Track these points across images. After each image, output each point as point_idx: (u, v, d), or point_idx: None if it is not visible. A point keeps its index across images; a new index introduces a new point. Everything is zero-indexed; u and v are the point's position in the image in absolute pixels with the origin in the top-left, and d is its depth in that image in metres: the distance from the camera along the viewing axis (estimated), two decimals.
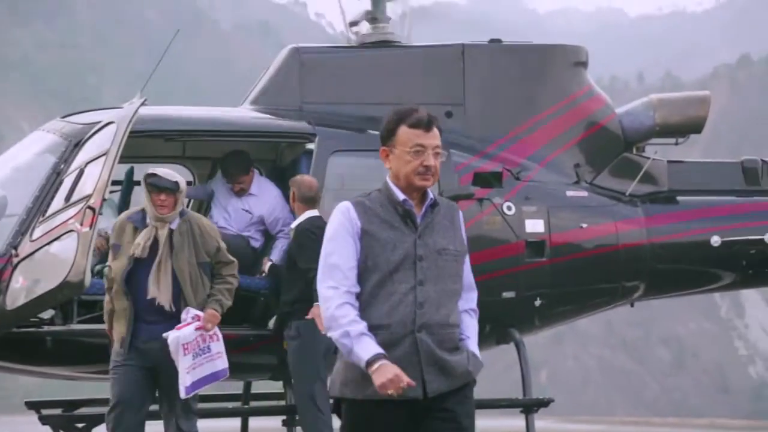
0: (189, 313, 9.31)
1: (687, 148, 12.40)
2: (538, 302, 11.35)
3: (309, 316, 9.96)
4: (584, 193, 11.64)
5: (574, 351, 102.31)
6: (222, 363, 9.57)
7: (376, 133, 11.41)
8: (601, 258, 11.63)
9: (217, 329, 9.50)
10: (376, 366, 5.48)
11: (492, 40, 11.95)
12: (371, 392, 5.53)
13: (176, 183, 9.32)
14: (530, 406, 11.38)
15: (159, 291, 9.23)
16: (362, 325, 5.59)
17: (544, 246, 11.26)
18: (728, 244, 11.80)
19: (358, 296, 5.68)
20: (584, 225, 11.52)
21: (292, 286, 10.30)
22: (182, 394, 9.27)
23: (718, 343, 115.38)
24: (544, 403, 11.52)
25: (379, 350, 5.53)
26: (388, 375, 5.44)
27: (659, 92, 13.15)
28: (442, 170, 11.00)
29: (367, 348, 5.54)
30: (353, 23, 12.16)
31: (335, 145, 11.17)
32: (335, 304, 5.63)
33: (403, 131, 5.73)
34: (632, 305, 12.45)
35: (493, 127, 11.67)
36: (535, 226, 11.30)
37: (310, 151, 11.14)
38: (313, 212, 10.31)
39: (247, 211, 11.20)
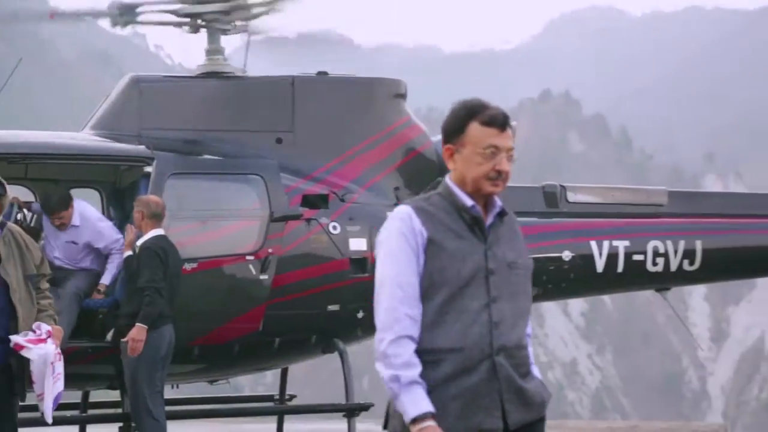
0: (42, 329, 7.98)
1: None
2: (360, 314, 11.35)
3: (125, 339, 9.98)
4: None
5: None
6: (62, 383, 8.35)
7: (211, 156, 11.45)
8: None
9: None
10: (421, 426, 4.50)
11: (319, 73, 11.95)
12: (445, 427, 4.53)
13: (2, 185, 8.07)
14: (352, 410, 11.38)
15: None
16: (415, 371, 4.55)
17: (367, 263, 11.28)
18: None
19: (422, 315, 4.65)
20: None
21: (131, 301, 10.17)
22: (48, 419, 8.26)
23: None
24: (364, 408, 11.56)
25: (429, 408, 4.52)
26: None
27: None
28: (273, 192, 11.14)
29: (415, 401, 4.52)
30: (191, 57, 12.03)
31: (172, 168, 11.03)
32: (390, 338, 4.57)
33: (475, 129, 4.72)
34: None
35: (321, 153, 11.65)
36: (358, 244, 11.31)
37: (149, 174, 10.98)
38: (159, 231, 10.23)
39: (72, 242, 10.95)
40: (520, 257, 4.83)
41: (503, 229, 4.81)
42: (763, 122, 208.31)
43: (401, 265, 4.63)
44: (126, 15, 11.88)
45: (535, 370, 4.84)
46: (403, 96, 12.18)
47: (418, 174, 11.93)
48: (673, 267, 12.52)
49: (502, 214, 4.81)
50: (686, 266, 12.59)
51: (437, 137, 12.43)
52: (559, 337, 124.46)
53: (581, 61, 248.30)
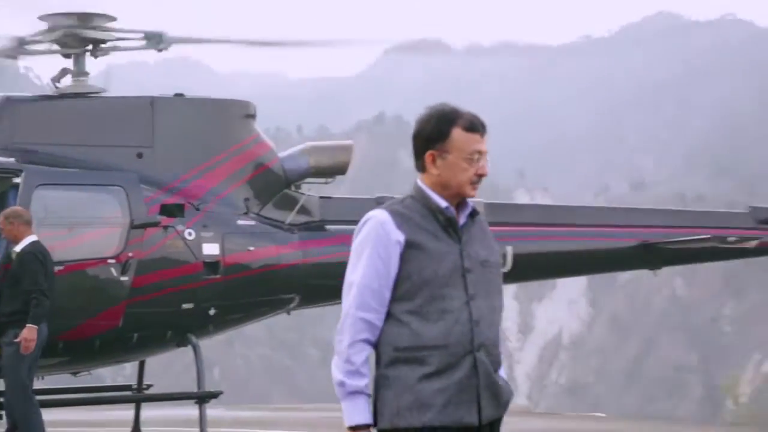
0: None
1: (335, 186, 12.59)
2: (212, 312, 11.30)
3: (17, 339, 9.87)
4: (252, 222, 11.65)
5: (241, 351, 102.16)
6: None
7: (76, 169, 11.22)
8: (265, 275, 11.65)
9: None
10: None
11: (177, 94, 11.86)
12: (428, 419, 4.28)
13: None
14: (203, 398, 11.30)
15: None
16: (362, 382, 4.32)
17: (219, 265, 11.21)
18: None
19: (400, 316, 4.35)
20: (251, 248, 11.53)
21: (13, 302, 10.04)
22: None
23: None
24: (214, 395, 11.54)
25: (365, 419, 4.32)
26: None
27: (314, 141, 13.36)
28: (133, 201, 11.00)
29: (355, 411, 4.34)
30: (58, 77, 11.78)
31: (39, 180, 10.80)
32: (348, 341, 4.35)
33: (459, 135, 4.37)
34: (289, 313, 12.52)
35: (178, 166, 11.55)
36: (211, 249, 11.24)
37: (17, 185, 10.71)
38: (33, 237, 10.12)
39: None
40: (492, 255, 4.56)
41: (475, 229, 4.52)
42: (566, 144, 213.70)
43: (368, 271, 4.33)
44: (18, 48, 11.81)
45: (502, 370, 4.55)
46: (252, 116, 12.14)
47: (266, 186, 11.91)
48: None
49: (473, 214, 4.52)
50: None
51: (284, 153, 12.48)
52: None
53: (411, 87, 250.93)
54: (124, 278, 10.82)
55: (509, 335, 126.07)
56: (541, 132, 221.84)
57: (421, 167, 4.48)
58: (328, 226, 12.16)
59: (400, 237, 4.34)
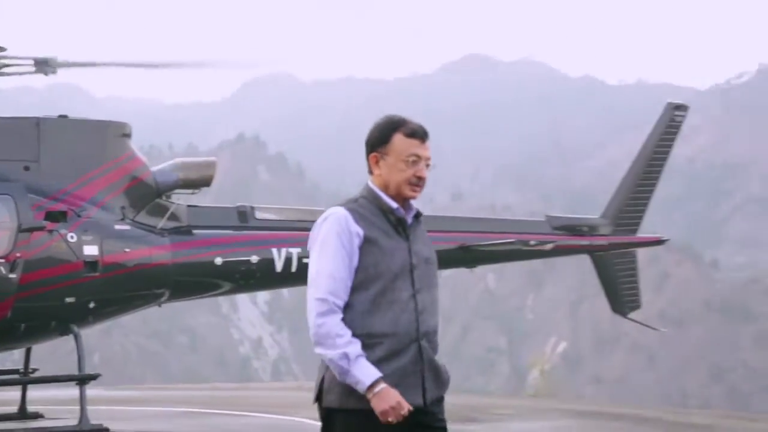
0: None
1: (201, 196, 12.45)
2: (92, 305, 11.04)
3: None
4: (127, 227, 11.42)
5: (119, 339, 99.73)
6: None
7: None
8: (139, 273, 11.43)
9: None
10: (377, 390, 4.05)
11: (61, 116, 11.56)
12: None
13: None
14: (83, 379, 10.99)
15: None
16: (358, 346, 4.09)
17: (98, 264, 10.96)
18: (228, 263, 11.96)
19: (354, 305, 4.16)
20: (127, 249, 11.31)
21: None
22: None
23: (221, 330, 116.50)
24: (93, 377, 11.27)
25: (379, 373, 4.07)
26: (390, 402, 4.04)
27: (183, 157, 13.21)
28: (21, 208, 10.63)
29: (366, 371, 4.06)
30: None
31: None
32: (332, 321, 4.08)
33: (399, 140, 4.23)
34: (160, 306, 12.30)
35: (61, 179, 11.24)
36: (91, 250, 10.97)
37: None
38: None
39: None
40: (432, 254, 4.38)
41: (419, 229, 4.37)
42: None
43: (335, 260, 4.10)
44: None
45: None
46: (128, 135, 11.93)
47: (140, 196, 11.71)
48: None
49: (417, 215, 4.36)
50: None
51: (156, 167, 12.28)
52: (248, 321, 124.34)
53: (268, 112, 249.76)
54: (12, 275, 10.45)
55: None
56: None
57: (369, 169, 4.33)
58: (194, 231, 12.02)
59: (359, 231, 4.16)
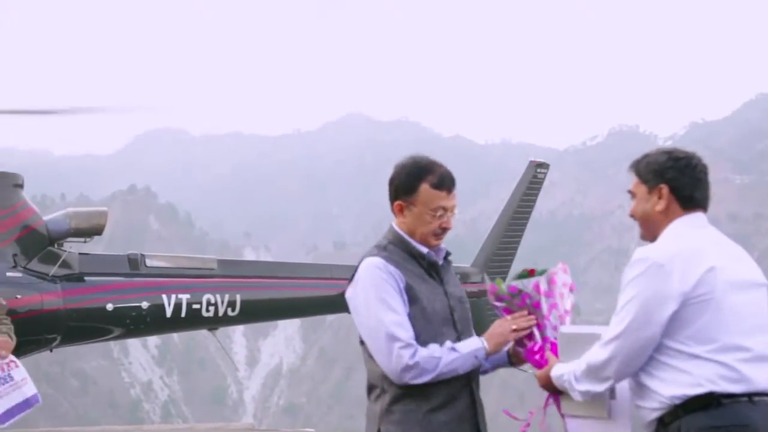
0: None
1: (93, 245, 12.13)
2: None
3: None
4: (19, 274, 11.03)
5: None
6: (30, 389, 6.48)
7: None
8: (31, 319, 11.01)
9: (13, 356, 6.43)
10: (487, 336, 3.78)
11: None
12: None
13: None
14: None
15: None
16: (446, 346, 3.71)
17: None
18: (118, 309, 11.65)
19: None
20: (19, 296, 10.90)
21: None
22: None
23: (112, 373, 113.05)
24: None
25: (478, 338, 3.79)
26: (506, 327, 3.81)
27: (75, 207, 12.89)
28: None
29: (470, 343, 3.75)
30: None
31: None
32: (421, 352, 3.65)
33: (425, 191, 3.79)
34: (51, 350, 11.88)
35: None
36: None
37: None
38: None
39: None
40: (463, 293, 3.97)
41: (449, 270, 3.96)
42: (285, 211, 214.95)
43: (393, 307, 3.67)
44: None
45: None
46: (20, 186, 11.57)
47: (32, 244, 11.34)
48: (221, 313, 12.55)
49: (446, 256, 3.94)
50: (230, 312, 12.66)
51: (48, 216, 11.92)
52: (139, 364, 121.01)
53: (159, 164, 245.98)
54: None
55: (239, 366, 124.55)
56: (265, 202, 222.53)
57: (393, 211, 3.96)
58: (86, 278, 11.69)
59: (399, 277, 3.73)
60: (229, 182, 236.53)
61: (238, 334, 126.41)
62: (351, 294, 3.86)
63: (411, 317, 3.71)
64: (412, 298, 3.72)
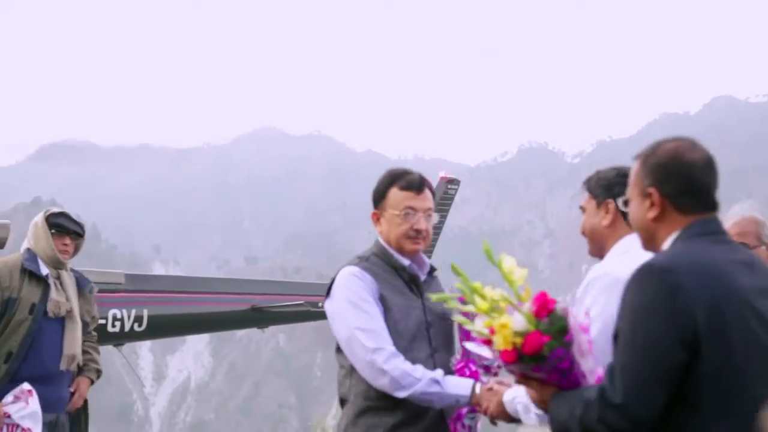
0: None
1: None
2: None
3: None
4: None
5: None
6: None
7: None
8: None
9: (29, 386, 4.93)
10: (478, 389, 3.49)
11: None
12: None
13: (82, 227, 5.50)
14: None
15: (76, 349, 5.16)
16: (430, 371, 3.52)
17: None
18: None
19: None
20: None
21: None
22: None
23: None
24: None
25: (471, 380, 3.55)
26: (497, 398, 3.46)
27: None
28: None
29: (460, 383, 3.51)
30: None
31: None
32: (398, 361, 3.48)
33: (394, 193, 3.74)
34: None
35: None
36: None
37: None
38: None
39: None
40: (447, 310, 3.72)
41: (434, 285, 3.81)
42: (194, 226, 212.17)
43: (368, 311, 3.55)
44: None
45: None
46: None
47: None
48: (127, 328, 12.28)
49: (431, 271, 3.83)
50: (136, 328, 12.40)
51: None
52: None
53: (65, 176, 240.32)
54: None
55: (146, 382, 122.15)
56: (175, 215, 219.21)
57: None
58: None
59: (374, 287, 3.62)
60: (138, 195, 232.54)
61: (144, 349, 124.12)
62: (328, 303, 3.74)
63: None
64: (384, 309, 3.60)
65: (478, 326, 2.71)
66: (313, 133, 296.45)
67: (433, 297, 3.02)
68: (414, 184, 3.72)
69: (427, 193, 3.75)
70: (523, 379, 2.73)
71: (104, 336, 12.45)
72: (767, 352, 2.42)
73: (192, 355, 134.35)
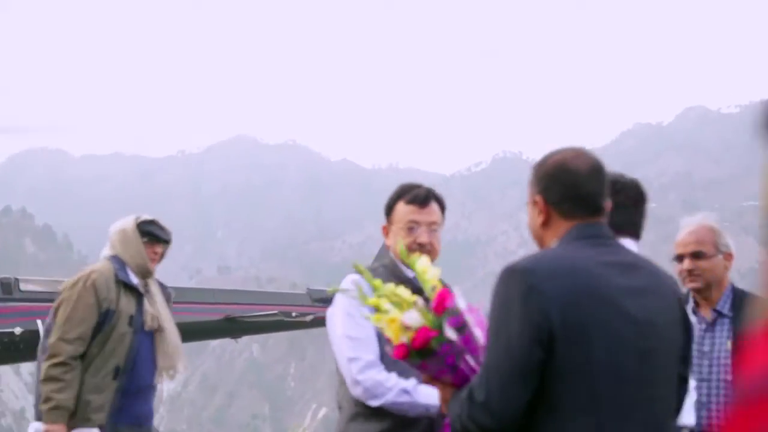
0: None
1: None
2: None
3: None
4: None
5: None
6: None
7: None
8: None
9: None
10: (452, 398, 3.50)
11: None
12: None
13: (170, 234, 5.35)
14: None
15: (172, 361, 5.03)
16: (411, 379, 3.51)
17: None
18: None
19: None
20: None
21: None
22: None
23: None
24: None
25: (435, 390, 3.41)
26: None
27: None
28: None
29: (430, 392, 3.45)
30: None
31: None
32: (373, 371, 3.52)
33: (400, 207, 3.76)
34: None
35: None
36: None
37: None
38: None
39: None
40: None
41: None
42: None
43: (358, 321, 3.52)
44: None
45: None
46: None
47: None
48: None
49: None
50: None
51: None
52: (11, 391, 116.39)
53: (36, 185, 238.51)
54: None
55: None
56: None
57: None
58: None
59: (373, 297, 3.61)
60: (110, 204, 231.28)
61: None
62: (329, 310, 3.82)
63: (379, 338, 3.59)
64: None
65: (375, 321, 2.77)
66: (288, 142, 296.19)
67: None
68: (418, 198, 3.73)
69: (433, 206, 3.75)
70: (429, 379, 2.77)
71: None
72: (632, 352, 2.47)
73: None
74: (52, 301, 12.90)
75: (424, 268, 2.94)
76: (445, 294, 2.74)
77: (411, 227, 3.72)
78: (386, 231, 3.82)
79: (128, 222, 5.10)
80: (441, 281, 3.14)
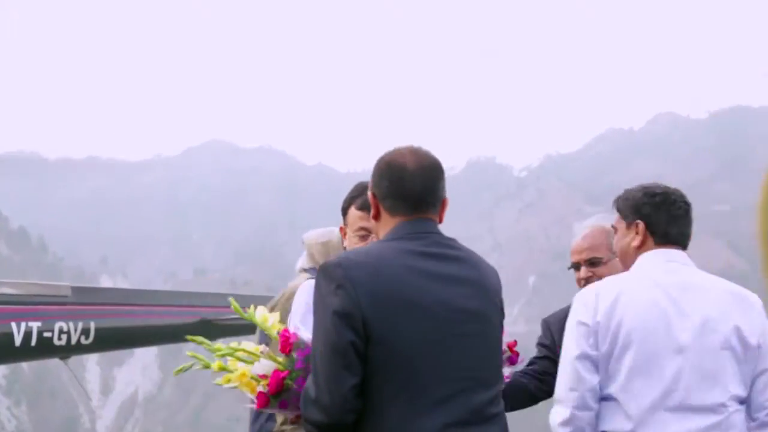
0: None
1: None
2: None
3: None
4: None
5: None
6: None
7: None
8: None
9: None
10: None
11: None
12: None
13: None
14: None
15: None
16: None
17: None
18: None
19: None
20: None
21: None
22: None
23: None
24: None
25: None
26: None
27: None
28: None
29: None
30: None
31: None
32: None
33: (352, 213, 3.70)
34: None
35: None
36: None
37: None
38: None
39: None
40: None
41: None
42: (142, 238, 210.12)
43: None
44: None
45: None
46: None
47: None
48: (74, 341, 12.08)
49: None
50: (83, 341, 12.20)
51: None
52: None
53: (10, 188, 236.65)
54: None
55: (93, 395, 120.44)
56: (123, 228, 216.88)
57: None
58: None
59: None
60: (86, 207, 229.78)
61: (92, 362, 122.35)
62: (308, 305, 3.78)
63: None
64: None
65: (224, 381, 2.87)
66: (263, 145, 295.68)
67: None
68: (367, 203, 3.52)
69: None
70: (296, 418, 2.75)
71: (50, 349, 12.23)
72: (446, 335, 2.50)
73: (140, 368, 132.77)
74: (26, 303, 12.69)
75: (263, 317, 2.94)
76: (287, 333, 2.77)
77: (362, 235, 3.67)
78: (343, 232, 3.80)
79: (333, 235, 4.71)
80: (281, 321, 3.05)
